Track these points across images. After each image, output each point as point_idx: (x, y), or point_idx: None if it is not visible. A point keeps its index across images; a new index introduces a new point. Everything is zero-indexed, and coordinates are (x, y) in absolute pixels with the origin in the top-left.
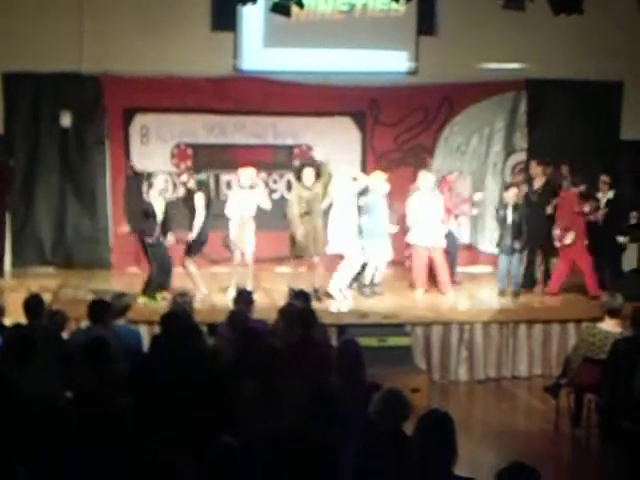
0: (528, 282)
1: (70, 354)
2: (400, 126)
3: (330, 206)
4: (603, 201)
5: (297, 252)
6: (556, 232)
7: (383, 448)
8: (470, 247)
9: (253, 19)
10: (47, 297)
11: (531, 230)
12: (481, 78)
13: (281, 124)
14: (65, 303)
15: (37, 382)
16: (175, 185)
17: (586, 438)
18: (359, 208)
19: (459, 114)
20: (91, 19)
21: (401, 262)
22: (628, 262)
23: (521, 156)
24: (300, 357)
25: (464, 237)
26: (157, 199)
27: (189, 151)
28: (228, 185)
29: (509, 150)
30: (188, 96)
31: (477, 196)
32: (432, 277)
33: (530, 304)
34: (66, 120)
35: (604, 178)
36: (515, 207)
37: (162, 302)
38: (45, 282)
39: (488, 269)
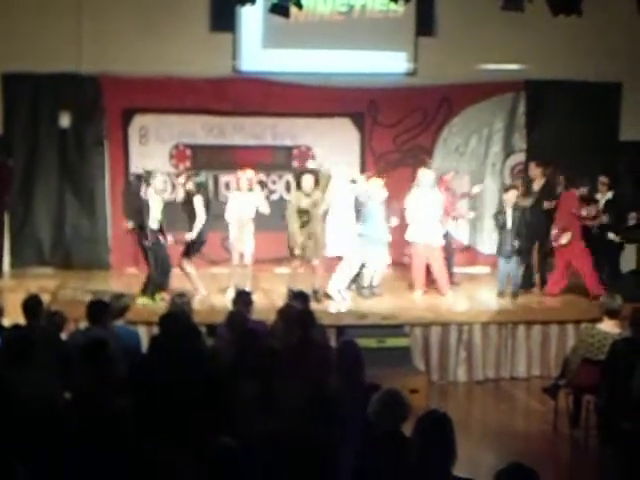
0: (527, 283)
1: (69, 355)
2: (399, 127)
3: (328, 209)
4: (602, 202)
5: (296, 256)
6: (553, 232)
7: (382, 449)
8: (469, 248)
9: (252, 20)
10: (46, 298)
11: (530, 231)
12: (480, 79)
13: (280, 125)
14: (64, 304)
15: (36, 383)
16: (173, 186)
17: (585, 439)
18: (357, 214)
19: (458, 115)
20: (90, 20)
21: (400, 262)
22: (626, 263)
23: (520, 157)
24: (299, 358)
25: (463, 238)
26: (155, 198)
27: (188, 152)
28: (227, 186)
29: (508, 151)
30: (187, 97)
31: (475, 189)
32: (431, 278)
33: (529, 305)
34: (65, 120)
35: (603, 179)
36: (515, 208)
37: (161, 303)
38: (44, 283)
39: (487, 270)
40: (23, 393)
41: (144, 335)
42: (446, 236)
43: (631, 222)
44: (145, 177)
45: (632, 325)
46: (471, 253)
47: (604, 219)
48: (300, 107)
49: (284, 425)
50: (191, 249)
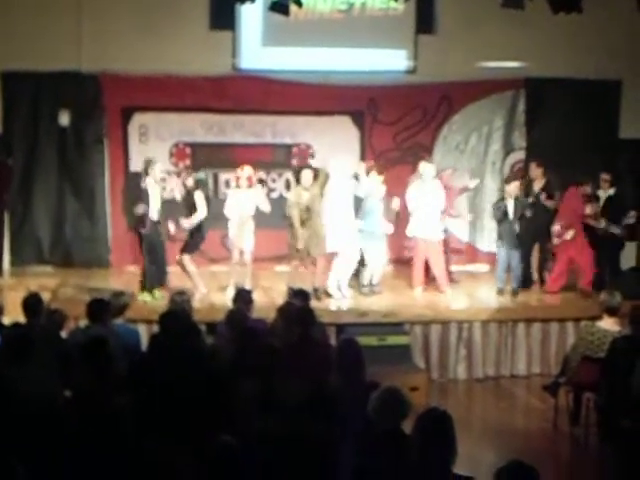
0: (526, 281)
1: (69, 353)
2: (399, 125)
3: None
4: (603, 198)
5: (299, 256)
6: (556, 228)
7: (382, 447)
8: (469, 246)
9: (252, 18)
10: (46, 296)
11: (531, 230)
12: (480, 77)
13: (280, 123)
14: (64, 302)
15: (35, 381)
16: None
17: (585, 437)
18: (356, 210)
19: (458, 113)
20: (90, 18)
21: (400, 259)
22: (627, 261)
23: (520, 155)
24: (299, 356)
25: (463, 236)
26: (154, 187)
27: (188, 150)
28: (227, 184)
29: (508, 149)
30: (187, 95)
31: (472, 183)
32: (430, 275)
33: (529, 303)
34: (65, 119)
35: (605, 176)
36: (517, 199)
37: (161, 301)
38: (44, 281)
39: (486, 268)
40: (23, 391)
41: (144, 333)
42: (445, 232)
43: (630, 220)
44: (144, 166)
45: (632, 323)
46: (471, 251)
47: (603, 223)
48: (300, 105)
49: (284, 423)
50: (190, 245)
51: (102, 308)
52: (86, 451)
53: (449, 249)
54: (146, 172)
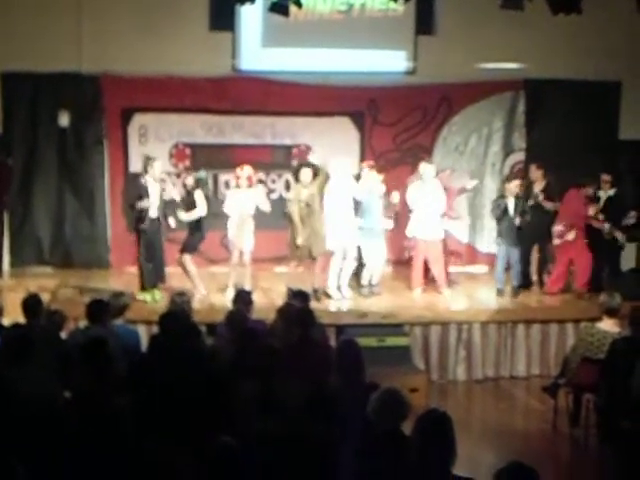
0: (526, 281)
1: (68, 354)
2: (398, 126)
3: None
4: (603, 198)
5: (298, 254)
6: (558, 228)
7: (382, 448)
8: (468, 247)
9: (251, 19)
10: (45, 297)
11: (530, 231)
12: (479, 78)
13: (279, 124)
14: (63, 303)
15: (35, 382)
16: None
17: (584, 438)
18: (356, 210)
19: (457, 114)
20: (90, 19)
21: (399, 260)
22: (626, 262)
23: (519, 156)
24: (299, 357)
25: (462, 237)
26: (153, 184)
27: (187, 151)
28: (227, 185)
29: (507, 150)
30: (187, 96)
31: (471, 183)
32: (429, 276)
33: (528, 304)
34: (64, 120)
35: (605, 177)
36: (517, 198)
37: (161, 301)
38: (43, 282)
39: (486, 269)
40: (22, 392)
41: (144, 334)
42: (445, 233)
43: (630, 221)
44: (143, 163)
45: (631, 324)
46: (471, 252)
47: (606, 227)
48: (299, 106)
49: (284, 424)
50: (190, 245)
51: (102, 309)
52: (86, 452)
53: (447, 251)
54: (145, 170)
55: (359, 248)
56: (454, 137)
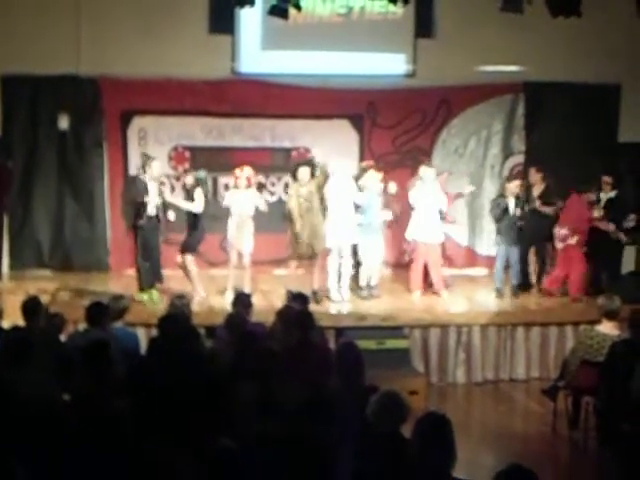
0: (525, 281)
1: (68, 357)
2: (398, 128)
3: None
4: (604, 200)
5: (299, 251)
6: (561, 232)
7: (381, 450)
8: (468, 249)
9: (251, 22)
10: (45, 299)
11: (529, 234)
12: (479, 81)
13: (279, 127)
14: (63, 305)
15: (34, 384)
16: (173, 188)
17: (584, 441)
18: (355, 206)
19: (457, 117)
20: (89, 22)
21: (398, 263)
22: (626, 265)
23: (519, 158)
24: (298, 360)
25: (462, 240)
26: (151, 183)
27: (187, 154)
28: (226, 187)
29: (507, 153)
30: (186, 99)
31: (467, 189)
32: (428, 279)
33: (528, 307)
34: (64, 122)
35: (606, 179)
36: (517, 198)
37: (160, 304)
38: (43, 284)
39: (485, 272)
40: (22, 394)
41: (143, 337)
42: (444, 236)
43: (630, 224)
44: (143, 161)
45: (631, 327)
46: (470, 255)
47: (611, 227)
48: (299, 109)
49: (283, 426)
50: (189, 244)
51: (101, 312)
52: (85, 454)
53: (444, 254)
54: (143, 168)
55: (356, 246)
56: (453, 140)
